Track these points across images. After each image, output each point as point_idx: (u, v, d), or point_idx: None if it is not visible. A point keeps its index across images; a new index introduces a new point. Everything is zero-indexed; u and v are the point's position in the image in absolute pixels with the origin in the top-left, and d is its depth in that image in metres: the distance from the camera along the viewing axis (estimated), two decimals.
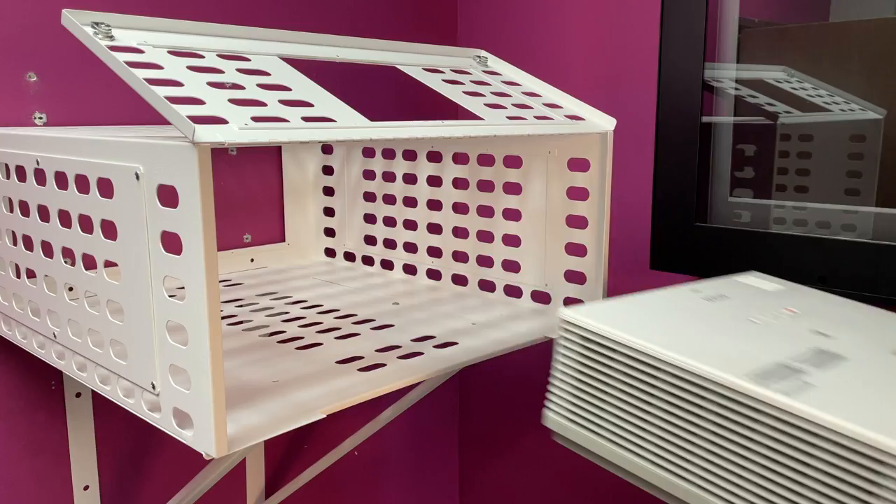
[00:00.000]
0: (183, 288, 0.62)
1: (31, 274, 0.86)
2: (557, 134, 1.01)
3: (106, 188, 0.70)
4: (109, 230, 0.71)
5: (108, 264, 0.73)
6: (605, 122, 0.97)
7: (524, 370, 1.59)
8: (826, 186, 1.14)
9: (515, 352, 0.95)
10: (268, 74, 0.77)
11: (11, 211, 0.87)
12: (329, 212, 1.37)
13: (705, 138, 1.20)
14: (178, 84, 0.67)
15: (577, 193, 1.02)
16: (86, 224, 0.74)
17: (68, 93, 1.09)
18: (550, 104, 1.00)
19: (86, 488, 1.18)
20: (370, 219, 1.31)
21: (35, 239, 0.84)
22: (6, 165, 0.87)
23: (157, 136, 0.67)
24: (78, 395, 1.14)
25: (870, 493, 0.51)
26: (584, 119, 0.97)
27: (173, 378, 0.66)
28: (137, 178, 0.65)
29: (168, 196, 0.63)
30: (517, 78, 1.08)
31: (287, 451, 1.47)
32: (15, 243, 0.88)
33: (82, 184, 0.74)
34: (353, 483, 1.61)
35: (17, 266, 0.89)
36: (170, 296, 0.65)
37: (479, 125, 0.85)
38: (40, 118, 1.07)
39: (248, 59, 0.80)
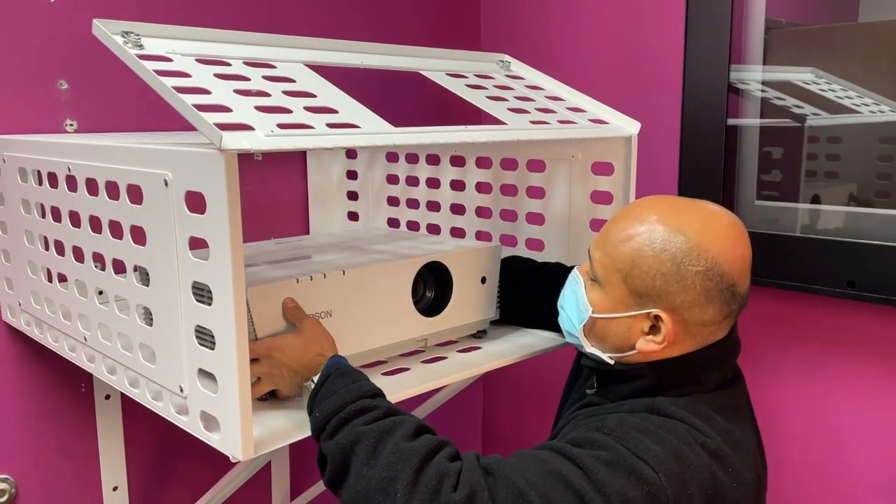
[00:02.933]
0: (210, 293, 0.63)
1: (62, 278, 0.88)
2: (581, 138, 1.01)
3: (135, 194, 0.71)
4: (139, 236, 0.72)
5: (138, 270, 0.74)
6: (629, 126, 0.96)
7: (549, 373, 1.58)
8: (855, 189, 1.12)
9: (540, 355, 0.95)
10: (293, 81, 0.78)
11: (43, 216, 0.89)
12: (353, 216, 1.38)
13: (731, 141, 1.19)
14: (205, 92, 0.68)
15: (601, 197, 1.02)
16: (115, 229, 0.76)
17: (98, 100, 1.11)
18: (574, 108, 0.99)
19: (115, 489, 1.20)
20: (393, 223, 1.32)
21: (66, 244, 0.85)
22: (38, 172, 0.89)
23: (185, 144, 0.68)
24: (107, 397, 1.16)
25: None
26: (607, 123, 0.97)
27: (201, 382, 0.67)
28: (166, 184, 0.66)
29: (196, 202, 0.64)
30: (540, 82, 1.08)
31: (313, 454, 1.47)
32: (47, 248, 0.90)
33: (112, 190, 0.75)
34: None
35: (48, 271, 0.91)
36: (197, 300, 0.66)
37: (502, 130, 0.85)
38: (71, 125, 1.09)
39: (274, 67, 0.81)
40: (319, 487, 1.40)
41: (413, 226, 1.28)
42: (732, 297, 0.75)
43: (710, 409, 0.74)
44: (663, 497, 0.66)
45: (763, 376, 1.23)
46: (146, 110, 1.15)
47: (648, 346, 0.76)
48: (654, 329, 0.76)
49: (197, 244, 0.65)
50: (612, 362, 0.79)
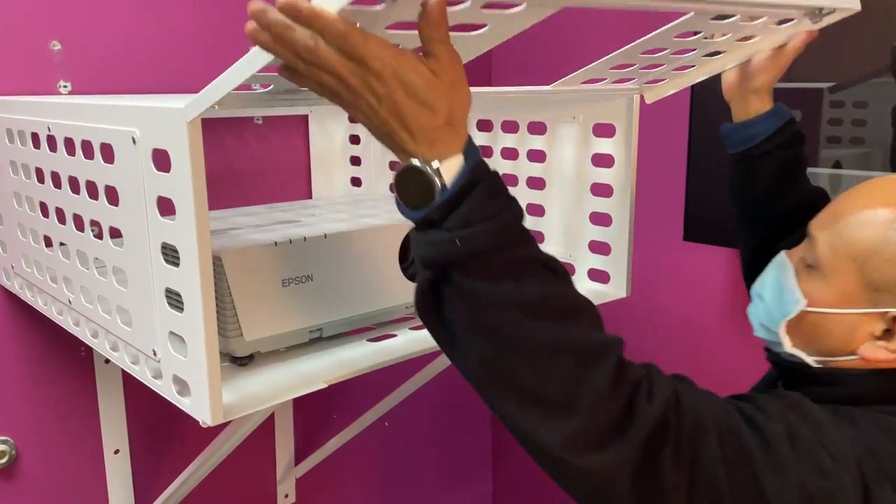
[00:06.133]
0: (178, 254, 0.62)
1: (48, 242, 0.87)
2: (583, 98, 0.97)
3: (108, 154, 0.69)
4: (112, 196, 0.70)
5: (114, 232, 0.72)
6: (630, 84, 0.92)
7: None
8: (881, 155, 1.07)
9: None
10: None
11: (29, 178, 0.88)
12: (356, 181, 1.36)
13: None
14: None
15: (603, 160, 0.98)
16: (92, 190, 0.74)
17: (93, 61, 1.09)
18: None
19: (116, 452, 1.21)
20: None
21: (49, 206, 0.84)
22: (23, 133, 0.88)
23: (155, 103, 0.66)
24: (107, 361, 1.16)
25: None
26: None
27: (172, 345, 0.66)
28: (134, 142, 0.64)
29: (163, 161, 0.62)
30: None
31: (317, 420, 1.47)
32: (34, 210, 0.89)
33: (87, 150, 0.73)
34: (383, 453, 1.61)
35: (36, 233, 0.90)
36: (167, 262, 0.64)
37: (504, 88, 0.82)
38: (65, 87, 1.07)
39: None
40: (324, 452, 1.40)
41: None
42: None
43: None
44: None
45: None
46: (141, 71, 1.13)
47: (877, 354, 0.63)
48: (887, 333, 0.63)
49: (167, 205, 0.63)
50: (816, 366, 0.66)
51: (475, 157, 0.53)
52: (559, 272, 0.55)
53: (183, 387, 0.66)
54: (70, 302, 0.84)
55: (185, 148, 0.56)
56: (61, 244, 0.83)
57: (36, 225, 0.89)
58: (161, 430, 1.26)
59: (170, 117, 0.58)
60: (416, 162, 0.53)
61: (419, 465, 1.69)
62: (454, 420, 1.72)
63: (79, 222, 0.78)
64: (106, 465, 1.20)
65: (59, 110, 0.79)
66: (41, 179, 0.85)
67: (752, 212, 0.90)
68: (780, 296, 0.69)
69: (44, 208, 0.86)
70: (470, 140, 0.53)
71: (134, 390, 1.20)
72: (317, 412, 1.47)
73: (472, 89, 0.56)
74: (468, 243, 0.51)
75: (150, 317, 0.67)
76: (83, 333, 0.83)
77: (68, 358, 1.13)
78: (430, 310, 0.56)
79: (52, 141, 0.80)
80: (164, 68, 1.15)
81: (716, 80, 1.14)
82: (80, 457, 1.17)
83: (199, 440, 1.29)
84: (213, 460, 1.00)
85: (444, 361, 1.21)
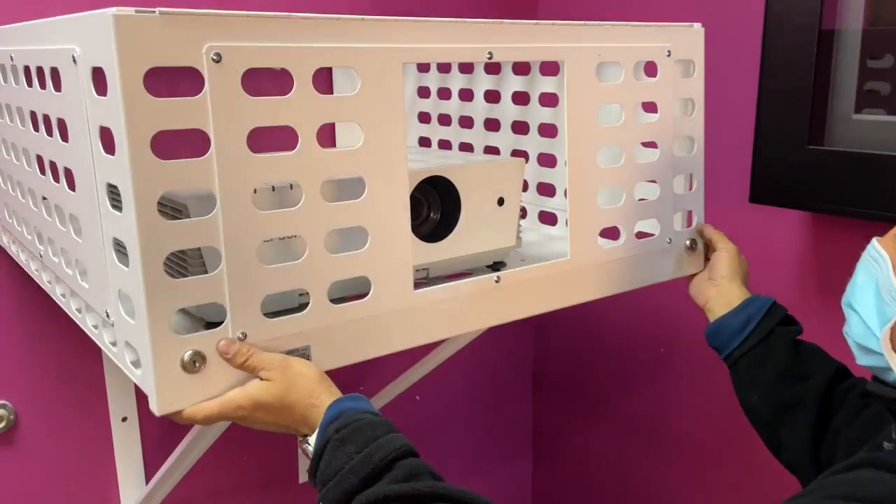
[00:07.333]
0: (121, 197, 0.51)
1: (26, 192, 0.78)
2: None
3: (57, 80, 0.59)
4: (65, 132, 0.60)
5: (70, 174, 0.62)
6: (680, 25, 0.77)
7: (602, 314, 1.43)
8: None
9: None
10: None
11: (2, 118, 0.79)
12: None
13: (825, 46, 0.97)
14: None
15: (650, 108, 0.84)
16: (49, 126, 0.64)
17: None
18: None
19: (124, 419, 1.13)
20: (424, 142, 1.17)
21: (18, 147, 0.75)
22: None
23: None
24: None
25: None
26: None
27: (123, 306, 0.56)
28: (74, 61, 0.53)
29: (103, 84, 0.51)
30: None
31: (339, 387, 1.38)
32: (9, 154, 0.80)
33: (40, 77, 0.63)
34: (414, 428, 1.51)
35: (12, 179, 0.81)
36: (113, 207, 0.53)
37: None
38: None
39: None
40: None
41: (445, 145, 1.13)
42: None
43: None
44: None
45: None
46: None
47: None
48: None
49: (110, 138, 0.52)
50: None
51: (328, 417, 0.56)
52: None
53: (135, 356, 0.56)
54: (41, 256, 0.75)
55: (114, 56, 0.45)
56: (29, 190, 0.74)
57: (11, 170, 0.80)
58: None
59: (102, 23, 0.47)
60: (301, 441, 0.59)
61: (453, 443, 1.58)
62: (491, 392, 1.60)
63: (41, 164, 0.69)
64: (113, 432, 1.13)
65: (19, 35, 0.69)
66: (11, 118, 0.76)
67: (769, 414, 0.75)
68: (876, 299, 0.52)
69: (16, 151, 0.77)
70: (329, 408, 0.57)
71: None
72: (339, 380, 1.37)
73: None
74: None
75: (103, 272, 0.57)
76: (54, 291, 0.74)
77: (70, 320, 1.05)
78: None
79: (14, 72, 0.71)
80: None
81: (792, 11, 0.98)
82: (84, 423, 1.10)
83: None
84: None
85: (467, 337, 1.09)
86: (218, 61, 0.49)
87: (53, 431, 1.08)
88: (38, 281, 0.80)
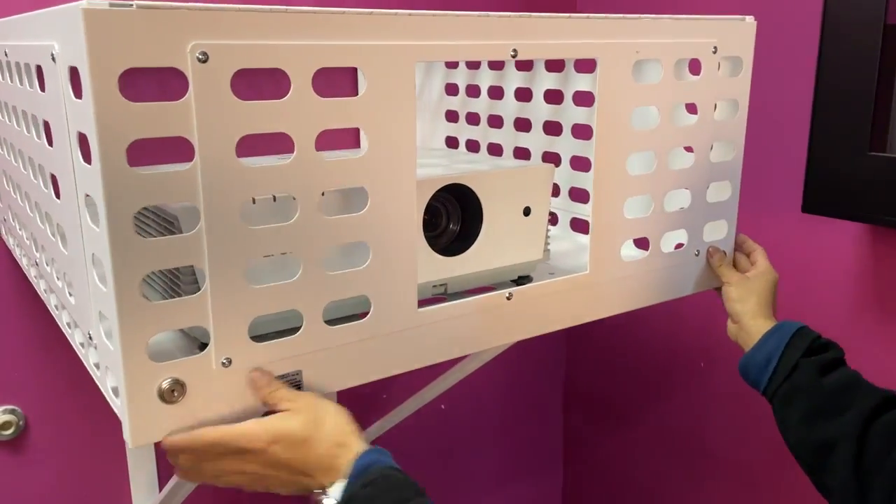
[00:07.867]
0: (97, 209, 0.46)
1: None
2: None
3: (42, 79, 0.55)
4: (49, 135, 0.56)
5: (54, 181, 0.58)
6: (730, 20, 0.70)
7: (638, 324, 1.35)
8: None
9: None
10: None
11: (1, 116, 0.75)
12: None
13: (891, 43, 0.89)
14: None
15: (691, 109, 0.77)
16: (36, 127, 0.60)
17: None
18: None
19: None
20: (452, 142, 1.11)
21: (15, 148, 0.71)
22: None
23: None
24: None
25: None
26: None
27: (103, 328, 0.51)
28: (54, 59, 0.49)
29: (79, 85, 0.46)
30: None
31: (364, 398, 1.33)
32: (9, 155, 0.76)
33: (28, 75, 0.59)
34: (439, 439, 1.45)
35: (11, 180, 0.77)
36: (92, 219, 0.49)
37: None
38: None
39: None
40: (373, 432, 1.25)
41: (473, 146, 1.07)
42: None
43: None
44: None
45: None
46: None
47: None
48: None
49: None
50: None
51: (357, 468, 0.51)
52: None
53: (116, 382, 0.51)
54: (37, 264, 0.71)
55: (84, 55, 0.40)
56: (26, 194, 0.70)
57: (11, 171, 0.76)
58: None
59: (73, 18, 0.42)
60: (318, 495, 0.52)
61: (480, 454, 1.52)
62: (520, 403, 1.54)
63: (33, 167, 0.64)
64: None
65: (10, 29, 0.65)
66: (8, 116, 0.72)
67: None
68: None
69: (14, 152, 0.73)
70: (358, 460, 0.51)
71: None
72: (361, 389, 1.32)
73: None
74: None
75: (86, 290, 0.53)
76: (49, 301, 0.70)
77: None
78: None
79: (9, 68, 0.67)
80: None
81: (854, 3, 0.89)
82: (96, 429, 1.07)
83: None
84: None
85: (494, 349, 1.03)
86: (204, 61, 0.44)
87: (64, 437, 1.05)
88: (35, 288, 0.76)
